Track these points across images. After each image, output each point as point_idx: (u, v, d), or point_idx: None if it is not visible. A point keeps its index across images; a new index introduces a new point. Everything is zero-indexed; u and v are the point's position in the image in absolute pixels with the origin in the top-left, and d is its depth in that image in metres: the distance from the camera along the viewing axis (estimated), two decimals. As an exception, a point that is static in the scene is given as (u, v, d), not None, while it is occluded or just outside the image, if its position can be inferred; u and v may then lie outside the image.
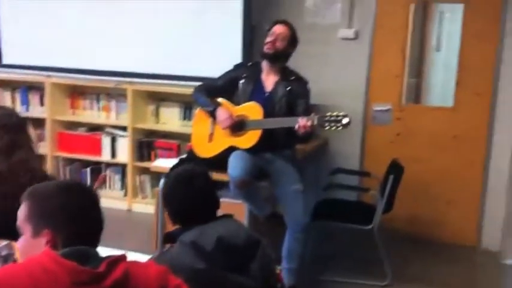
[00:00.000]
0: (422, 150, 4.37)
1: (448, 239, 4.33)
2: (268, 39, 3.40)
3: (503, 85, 4.14)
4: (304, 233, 3.28)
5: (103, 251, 1.58)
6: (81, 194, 1.56)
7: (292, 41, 3.45)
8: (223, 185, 3.29)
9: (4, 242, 2.01)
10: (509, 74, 4.10)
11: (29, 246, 1.53)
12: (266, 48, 3.40)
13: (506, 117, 4.13)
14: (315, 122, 3.13)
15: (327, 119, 3.13)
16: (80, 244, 1.48)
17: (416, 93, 4.92)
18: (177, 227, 2.01)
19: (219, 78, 3.59)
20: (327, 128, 3.14)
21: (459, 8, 4.28)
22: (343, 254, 4.10)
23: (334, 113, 3.13)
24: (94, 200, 1.58)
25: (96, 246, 1.55)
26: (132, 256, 1.64)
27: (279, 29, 3.42)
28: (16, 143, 2.44)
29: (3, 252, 1.99)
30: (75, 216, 1.51)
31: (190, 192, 1.97)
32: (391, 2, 4.33)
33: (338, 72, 4.49)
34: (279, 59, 3.44)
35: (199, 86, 3.63)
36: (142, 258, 1.84)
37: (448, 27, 4.95)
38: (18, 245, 1.59)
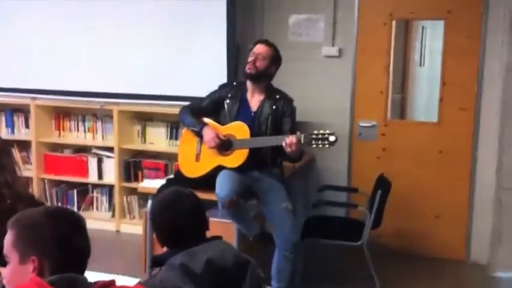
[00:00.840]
0: (408, 165, 4.39)
1: (437, 253, 4.35)
2: (249, 59, 3.43)
3: (486, 100, 4.19)
4: (294, 251, 3.28)
5: (92, 274, 1.57)
6: (68, 221, 1.56)
7: (274, 60, 3.47)
8: (212, 204, 3.29)
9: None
10: (492, 89, 4.15)
11: (16, 274, 1.52)
12: (247, 69, 3.43)
13: (490, 132, 4.18)
14: (302, 141, 3.15)
15: (313, 137, 3.15)
16: (67, 271, 1.47)
17: (401, 108, 4.98)
18: (165, 249, 2.00)
19: (205, 98, 3.60)
20: (314, 146, 3.17)
21: (440, 23, 4.35)
22: (333, 271, 4.09)
23: (321, 131, 3.16)
24: (81, 227, 1.58)
25: (83, 272, 1.54)
26: (121, 279, 1.63)
27: (259, 48, 3.45)
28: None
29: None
30: (63, 243, 1.50)
31: (177, 215, 1.96)
32: (373, 19, 4.38)
33: (323, 90, 4.53)
34: (262, 78, 3.46)
35: (184, 106, 3.64)
36: (131, 281, 1.83)
37: (430, 43, 5.03)
38: (4, 273, 1.58)
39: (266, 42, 3.52)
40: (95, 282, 1.48)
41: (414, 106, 5.18)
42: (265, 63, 3.43)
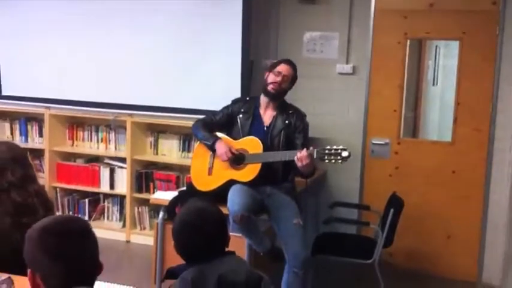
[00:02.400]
0: (421, 185, 4.37)
1: (448, 273, 4.30)
2: (276, 79, 3.42)
3: (500, 121, 4.16)
4: (304, 268, 3.24)
5: (102, 285, 1.57)
6: (62, 235, 1.54)
7: (294, 79, 3.51)
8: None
9: (4, 276, 1.99)
10: (506, 110, 4.13)
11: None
12: (271, 88, 3.43)
13: (504, 153, 4.15)
14: (315, 155, 3.15)
15: (326, 152, 3.15)
16: (77, 283, 1.47)
17: (414, 127, 4.96)
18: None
19: (218, 112, 3.62)
20: (327, 161, 3.17)
21: (455, 43, 4.35)
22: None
23: (334, 146, 3.16)
24: (80, 236, 1.57)
25: (92, 284, 1.54)
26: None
27: (286, 70, 3.45)
28: (29, 175, 2.46)
29: (2, 287, 1.98)
30: (57, 258, 1.50)
31: (200, 236, 1.94)
32: (387, 38, 4.39)
33: (336, 106, 4.53)
34: (281, 97, 3.49)
35: (197, 120, 3.66)
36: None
37: (444, 62, 5.02)
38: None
39: (290, 62, 3.52)
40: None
41: (427, 125, 5.16)
42: (288, 84, 3.48)
